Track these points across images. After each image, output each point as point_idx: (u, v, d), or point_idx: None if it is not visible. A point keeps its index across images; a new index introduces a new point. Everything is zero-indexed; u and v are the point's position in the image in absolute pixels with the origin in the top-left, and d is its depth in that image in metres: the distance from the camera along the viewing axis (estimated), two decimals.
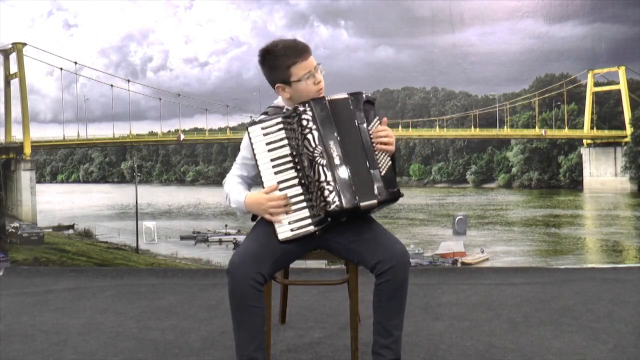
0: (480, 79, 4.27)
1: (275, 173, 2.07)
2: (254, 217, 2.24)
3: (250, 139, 2.08)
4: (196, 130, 4.63)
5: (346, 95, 2.11)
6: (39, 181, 4.67)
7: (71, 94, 4.52)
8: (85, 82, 4.50)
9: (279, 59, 2.11)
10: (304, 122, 2.03)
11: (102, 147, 4.80)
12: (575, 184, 4.58)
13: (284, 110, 2.16)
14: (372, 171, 2.05)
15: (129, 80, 4.47)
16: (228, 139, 4.65)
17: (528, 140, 4.61)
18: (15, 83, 4.53)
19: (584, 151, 4.55)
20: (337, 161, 2.02)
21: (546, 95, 4.45)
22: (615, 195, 4.51)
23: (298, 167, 2.06)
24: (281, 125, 2.07)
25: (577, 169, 4.56)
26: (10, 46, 4.48)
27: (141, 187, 4.69)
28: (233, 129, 4.53)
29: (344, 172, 2.02)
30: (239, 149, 2.29)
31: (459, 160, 4.71)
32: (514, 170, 4.65)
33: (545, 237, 4.43)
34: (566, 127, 4.50)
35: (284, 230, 2.05)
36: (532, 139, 4.59)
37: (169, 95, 4.46)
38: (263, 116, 2.20)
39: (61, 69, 4.45)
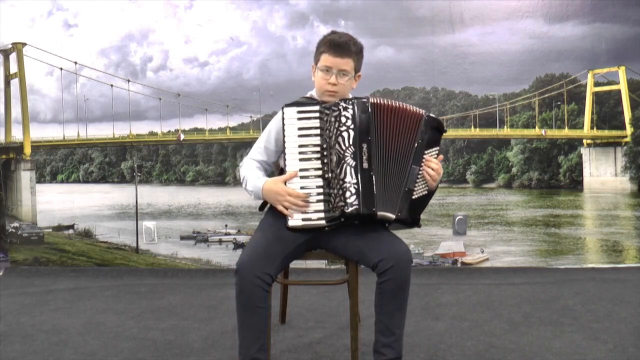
0: (480, 79, 4.27)
1: (300, 160, 2.05)
2: (261, 207, 2.23)
3: (283, 119, 2.05)
4: (196, 130, 4.63)
5: (407, 107, 2.07)
6: (39, 181, 4.67)
7: (71, 94, 4.53)
8: (85, 82, 4.50)
9: (321, 41, 2.16)
10: (343, 119, 2.01)
11: (102, 147, 4.80)
12: (575, 184, 4.58)
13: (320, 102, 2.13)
14: (404, 188, 2.04)
15: (129, 80, 4.47)
16: (228, 139, 4.65)
17: (528, 140, 4.61)
18: (15, 83, 4.53)
19: (584, 151, 4.55)
20: (365, 165, 2.00)
21: (546, 95, 4.45)
22: (615, 195, 4.51)
23: (325, 160, 2.03)
24: (318, 115, 2.05)
25: (577, 169, 4.56)
26: (10, 46, 4.48)
27: (141, 187, 4.69)
28: (233, 129, 4.53)
29: (370, 178, 2.00)
30: (239, 149, 2.28)
31: (459, 160, 4.71)
32: (514, 170, 4.65)
33: (545, 237, 4.43)
34: (566, 127, 4.50)
35: (295, 219, 2.04)
36: (532, 139, 4.59)
37: (169, 95, 4.46)
38: (302, 99, 2.19)
39: (61, 69, 4.45)
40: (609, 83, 4.44)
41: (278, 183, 2.07)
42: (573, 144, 4.57)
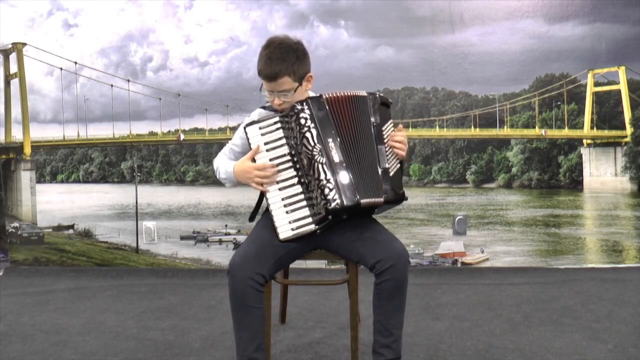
0: (480, 79, 4.28)
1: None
2: (251, 218, 2.24)
3: (248, 139, 2.08)
4: (196, 130, 4.63)
5: (354, 93, 2.09)
6: (39, 181, 4.67)
7: (71, 94, 4.52)
8: (85, 82, 4.50)
9: (258, 59, 2.10)
10: (302, 121, 2.01)
11: (102, 147, 4.80)
12: (575, 184, 4.58)
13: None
14: (379, 170, 2.05)
15: (129, 80, 4.47)
16: (228, 139, 4.64)
17: (528, 140, 4.61)
18: (15, 83, 4.53)
19: (584, 151, 4.55)
20: (336, 159, 2.01)
21: (546, 95, 4.45)
22: (615, 195, 4.51)
23: (297, 166, 2.05)
24: (279, 125, 2.06)
25: (577, 169, 4.56)
26: (10, 46, 4.48)
27: (141, 187, 4.69)
28: (233, 129, 4.52)
29: (344, 170, 2.01)
30: None
31: (459, 160, 4.71)
32: (514, 170, 4.65)
33: (545, 237, 4.43)
34: (566, 127, 4.50)
35: (285, 230, 2.05)
36: (532, 139, 4.59)
37: (169, 95, 4.46)
38: (261, 110, 2.20)
39: (61, 69, 4.45)
40: (609, 83, 4.44)
41: (245, 162, 2.08)
42: (573, 144, 4.57)
